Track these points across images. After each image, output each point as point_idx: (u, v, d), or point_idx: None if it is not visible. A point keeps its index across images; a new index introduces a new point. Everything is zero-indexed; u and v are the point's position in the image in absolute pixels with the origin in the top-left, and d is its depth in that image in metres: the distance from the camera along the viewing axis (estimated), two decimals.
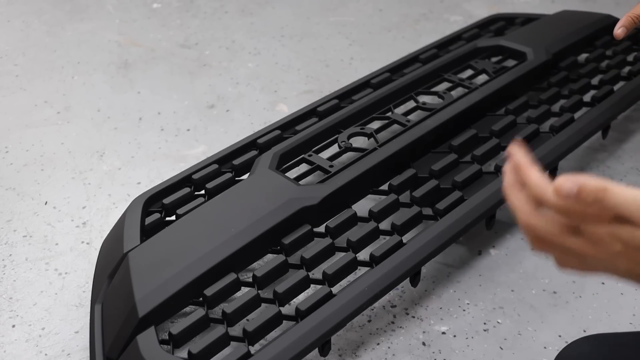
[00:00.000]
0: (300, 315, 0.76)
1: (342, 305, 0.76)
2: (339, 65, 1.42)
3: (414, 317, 0.88)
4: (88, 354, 0.83)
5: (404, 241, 0.85)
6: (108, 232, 0.95)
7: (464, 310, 0.89)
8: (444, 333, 0.86)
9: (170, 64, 1.41)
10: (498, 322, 0.87)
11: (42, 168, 1.13)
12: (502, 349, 0.84)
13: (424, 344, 0.85)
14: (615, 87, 1.12)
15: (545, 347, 0.84)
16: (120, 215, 0.93)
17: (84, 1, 1.63)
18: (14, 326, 0.87)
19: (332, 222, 0.86)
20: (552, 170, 1.00)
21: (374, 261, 0.82)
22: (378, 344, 0.85)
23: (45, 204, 1.06)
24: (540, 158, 0.96)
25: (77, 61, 1.41)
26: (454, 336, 0.86)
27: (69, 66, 1.39)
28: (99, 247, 0.94)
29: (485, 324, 0.87)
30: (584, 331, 0.84)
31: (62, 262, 0.96)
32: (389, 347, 0.85)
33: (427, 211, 0.90)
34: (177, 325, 0.74)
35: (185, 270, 0.77)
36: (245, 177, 0.96)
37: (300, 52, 1.46)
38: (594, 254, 0.48)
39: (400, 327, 0.87)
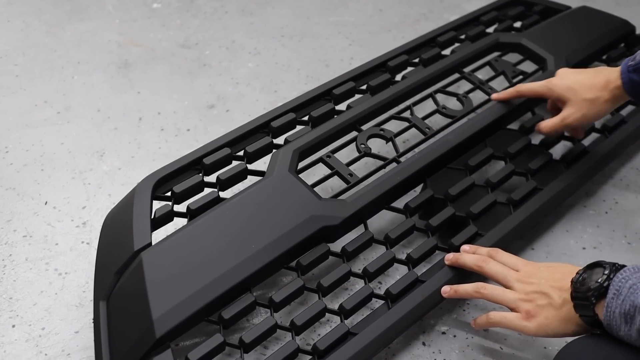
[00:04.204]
0: (317, 353, 0.76)
1: (362, 349, 0.76)
2: (339, 65, 1.42)
3: None
4: (88, 354, 0.83)
5: (419, 268, 0.86)
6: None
7: (464, 310, 0.89)
8: (444, 333, 0.86)
9: (170, 64, 1.41)
10: None
11: (42, 168, 1.13)
12: (502, 349, 0.84)
13: (424, 344, 0.85)
14: (623, 110, 1.12)
15: (545, 347, 0.84)
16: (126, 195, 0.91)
17: (84, 1, 1.63)
18: (14, 326, 0.87)
19: (350, 245, 0.87)
20: None
21: (389, 297, 0.83)
22: None
23: (45, 204, 1.06)
24: (552, 196, 0.96)
25: (77, 61, 1.41)
26: (454, 336, 0.86)
27: (69, 66, 1.39)
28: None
29: None
30: None
31: (62, 262, 0.96)
32: (389, 347, 0.85)
33: (441, 232, 0.91)
34: (196, 352, 0.73)
35: (204, 290, 0.76)
36: (258, 164, 0.94)
37: (300, 52, 1.46)
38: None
39: None
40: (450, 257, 0.85)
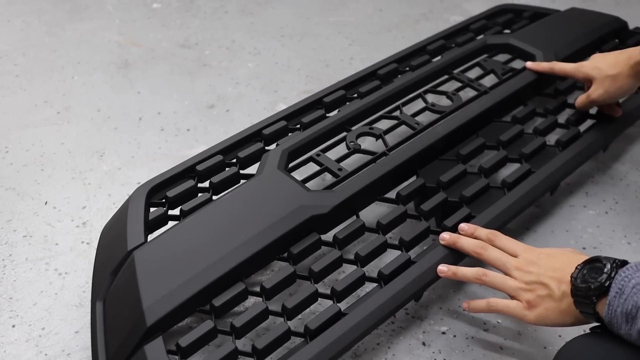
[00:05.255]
0: (309, 334, 0.76)
1: (352, 327, 0.76)
2: (339, 65, 1.42)
3: (414, 317, 0.88)
4: (88, 354, 0.83)
5: (411, 253, 0.85)
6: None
7: (464, 310, 0.89)
8: (444, 333, 0.86)
9: (170, 64, 1.41)
10: (498, 322, 0.87)
11: (42, 168, 1.13)
12: (502, 349, 0.84)
13: (424, 344, 0.85)
14: (621, 100, 1.11)
15: (545, 347, 0.84)
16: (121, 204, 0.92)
17: (84, 1, 1.63)
18: (14, 326, 0.87)
19: (341, 233, 0.86)
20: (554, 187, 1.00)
21: (382, 279, 0.82)
22: (378, 344, 0.85)
23: (45, 204, 1.06)
24: (547, 177, 0.96)
25: (77, 61, 1.41)
26: (454, 336, 0.86)
27: (69, 66, 1.39)
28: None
29: (485, 323, 0.87)
30: (584, 331, 0.84)
31: (62, 262, 0.96)
32: (389, 347, 0.85)
33: (434, 222, 0.90)
34: (186, 338, 0.74)
35: (194, 279, 0.76)
36: (250, 169, 0.95)
37: (300, 52, 1.46)
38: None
39: (400, 327, 0.87)
40: (446, 237, 0.84)
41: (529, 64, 1.10)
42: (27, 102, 1.29)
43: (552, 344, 0.85)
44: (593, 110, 1.09)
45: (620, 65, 0.97)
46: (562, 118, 1.08)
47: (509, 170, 1.00)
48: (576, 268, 0.69)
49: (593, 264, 0.67)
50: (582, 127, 1.07)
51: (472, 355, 0.84)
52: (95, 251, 0.96)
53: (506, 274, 0.77)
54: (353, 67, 1.41)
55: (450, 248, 0.84)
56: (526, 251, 0.78)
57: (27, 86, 1.34)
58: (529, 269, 0.75)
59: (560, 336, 0.85)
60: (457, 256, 0.84)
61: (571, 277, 0.69)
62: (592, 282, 0.65)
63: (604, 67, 0.98)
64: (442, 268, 0.81)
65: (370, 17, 1.60)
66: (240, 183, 0.90)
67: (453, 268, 0.81)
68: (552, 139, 1.05)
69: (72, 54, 1.43)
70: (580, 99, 1.03)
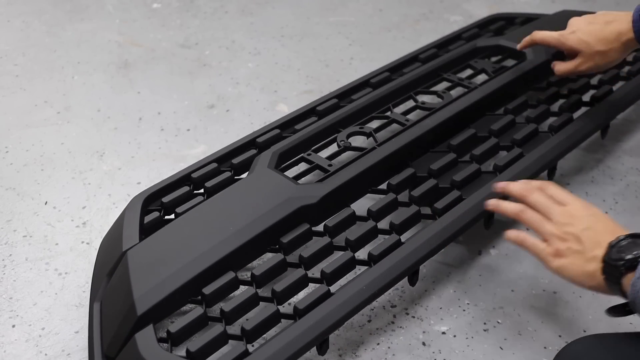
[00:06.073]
0: (298, 313, 0.76)
1: (340, 304, 0.76)
2: (339, 65, 1.42)
3: (414, 317, 0.88)
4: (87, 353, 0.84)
5: (402, 240, 0.85)
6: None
7: (464, 310, 0.89)
8: (444, 333, 0.86)
9: (170, 64, 1.41)
10: (498, 322, 0.87)
11: (42, 168, 1.13)
12: (502, 349, 0.84)
13: (424, 344, 0.85)
14: (614, 87, 1.12)
15: (545, 347, 0.84)
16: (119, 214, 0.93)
17: (84, 1, 1.63)
18: (14, 326, 0.87)
19: (331, 221, 0.86)
20: (550, 169, 1.00)
21: (372, 260, 0.82)
22: (378, 343, 0.85)
23: (45, 204, 1.06)
24: (539, 158, 0.96)
25: (77, 61, 1.41)
26: (454, 336, 0.86)
27: (69, 66, 1.39)
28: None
29: (485, 324, 0.87)
30: (584, 331, 0.84)
31: (62, 262, 0.96)
32: (389, 347, 0.85)
33: (426, 210, 0.90)
34: (176, 324, 0.74)
35: (184, 269, 0.77)
36: (244, 175, 0.96)
37: (300, 52, 1.46)
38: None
39: (400, 327, 0.87)
40: (493, 199, 0.81)
41: (518, 46, 1.10)
42: (27, 102, 1.29)
43: (552, 343, 0.85)
44: (587, 97, 1.10)
45: (610, 41, 0.95)
46: (554, 108, 1.09)
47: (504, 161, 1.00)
48: (617, 237, 0.67)
49: (636, 239, 0.66)
50: (575, 116, 1.08)
51: (472, 355, 0.84)
52: (95, 251, 0.97)
53: (548, 218, 0.74)
54: (353, 67, 1.41)
55: (439, 230, 0.84)
56: (576, 202, 0.75)
57: (27, 86, 1.34)
58: (571, 220, 0.73)
59: (560, 336, 0.85)
60: (448, 237, 0.84)
61: (609, 244, 0.67)
62: (627, 254, 0.65)
63: (592, 42, 0.97)
64: (492, 201, 0.80)
65: (370, 17, 1.60)
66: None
67: (496, 201, 0.80)
68: (545, 128, 1.06)
69: (72, 54, 1.44)
70: (564, 67, 1.01)
